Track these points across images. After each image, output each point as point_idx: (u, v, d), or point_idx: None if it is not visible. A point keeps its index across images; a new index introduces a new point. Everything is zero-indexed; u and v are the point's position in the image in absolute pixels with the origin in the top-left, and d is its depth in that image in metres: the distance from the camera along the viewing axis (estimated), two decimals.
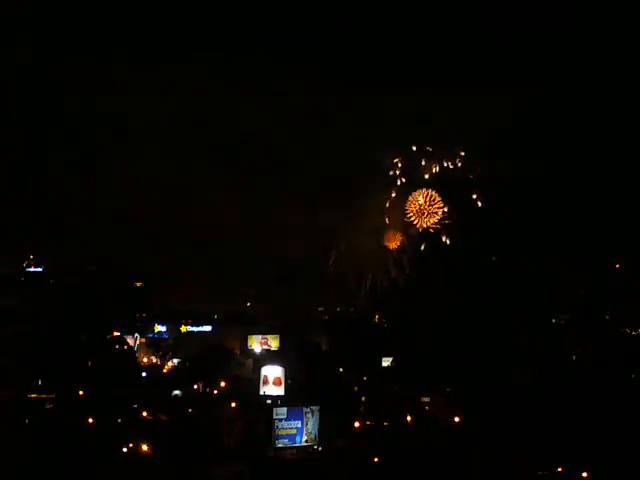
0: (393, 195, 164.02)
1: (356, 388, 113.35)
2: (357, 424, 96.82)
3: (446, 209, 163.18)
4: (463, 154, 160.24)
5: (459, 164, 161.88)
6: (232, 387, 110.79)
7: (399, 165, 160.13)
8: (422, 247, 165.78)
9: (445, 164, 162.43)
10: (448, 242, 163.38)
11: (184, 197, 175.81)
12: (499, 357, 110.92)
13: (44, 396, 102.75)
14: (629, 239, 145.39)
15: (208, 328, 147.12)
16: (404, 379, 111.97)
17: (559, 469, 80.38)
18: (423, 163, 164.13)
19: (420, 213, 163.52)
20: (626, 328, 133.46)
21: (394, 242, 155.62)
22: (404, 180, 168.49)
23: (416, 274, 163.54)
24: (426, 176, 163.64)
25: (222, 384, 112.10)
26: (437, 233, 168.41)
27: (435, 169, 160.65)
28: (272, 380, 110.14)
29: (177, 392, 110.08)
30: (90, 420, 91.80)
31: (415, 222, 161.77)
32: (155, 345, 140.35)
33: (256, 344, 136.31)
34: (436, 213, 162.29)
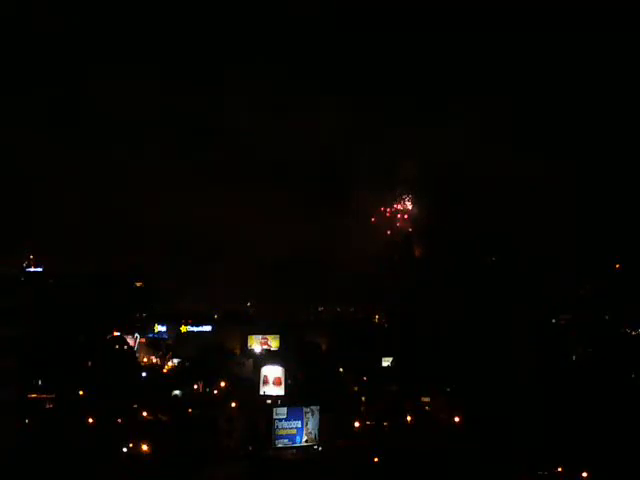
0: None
1: (356, 388, 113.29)
2: (357, 424, 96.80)
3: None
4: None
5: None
6: (232, 387, 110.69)
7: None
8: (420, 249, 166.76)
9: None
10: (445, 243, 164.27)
11: (184, 198, 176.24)
12: (499, 357, 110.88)
13: (44, 396, 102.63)
14: (629, 239, 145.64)
15: (208, 328, 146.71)
16: (404, 379, 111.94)
17: (559, 469, 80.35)
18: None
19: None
20: (626, 328, 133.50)
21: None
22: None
23: (416, 274, 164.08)
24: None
25: (222, 384, 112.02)
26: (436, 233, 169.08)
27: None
28: (272, 380, 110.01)
29: (177, 392, 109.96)
30: (90, 420, 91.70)
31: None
32: (155, 345, 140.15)
33: (256, 344, 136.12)
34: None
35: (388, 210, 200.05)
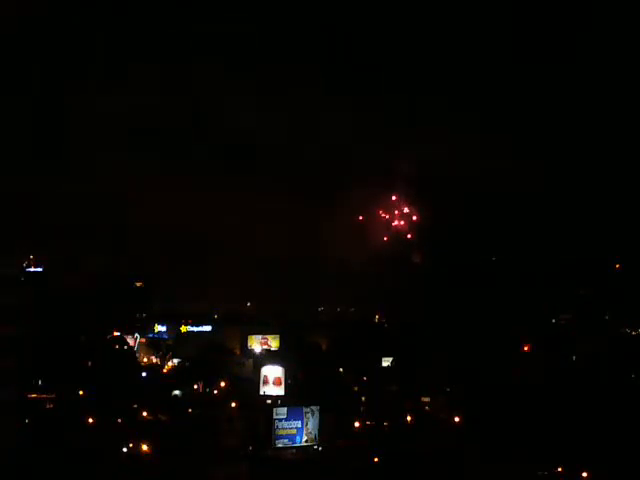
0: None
1: (356, 388, 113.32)
2: (357, 424, 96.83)
3: None
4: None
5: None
6: (232, 387, 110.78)
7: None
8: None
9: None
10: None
11: (183, 197, 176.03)
12: (499, 357, 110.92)
13: (44, 396, 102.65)
14: (629, 239, 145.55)
15: (208, 328, 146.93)
16: (404, 379, 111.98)
17: (559, 469, 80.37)
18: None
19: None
20: (626, 328, 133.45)
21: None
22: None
23: (415, 274, 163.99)
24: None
25: (222, 384, 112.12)
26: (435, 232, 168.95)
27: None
28: (272, 380, 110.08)
29: (177, 392, 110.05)
30: (90, 420, 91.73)
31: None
32: (155, 345, 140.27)
33: (256, 344, 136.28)
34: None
35: (388, 210, 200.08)
